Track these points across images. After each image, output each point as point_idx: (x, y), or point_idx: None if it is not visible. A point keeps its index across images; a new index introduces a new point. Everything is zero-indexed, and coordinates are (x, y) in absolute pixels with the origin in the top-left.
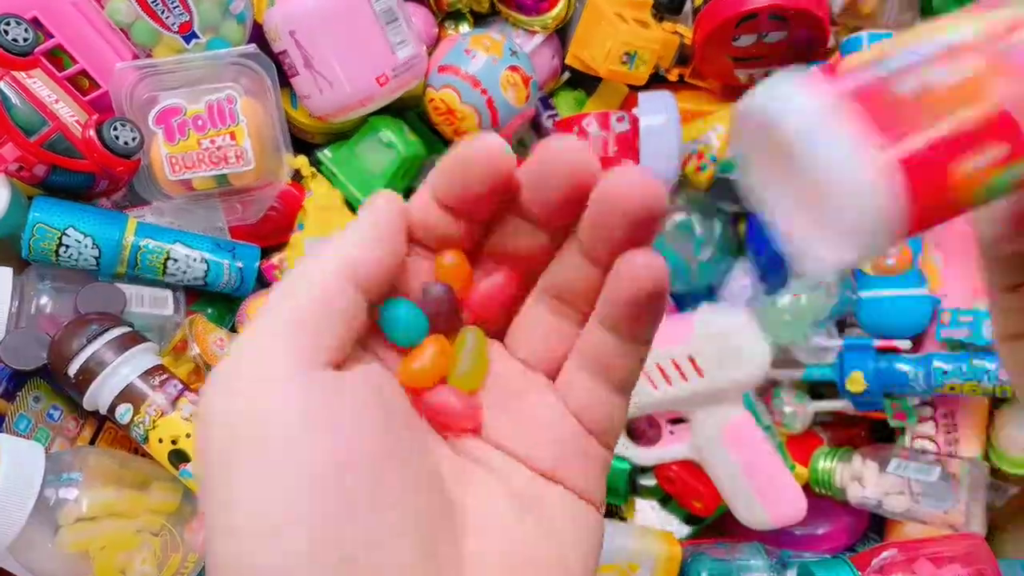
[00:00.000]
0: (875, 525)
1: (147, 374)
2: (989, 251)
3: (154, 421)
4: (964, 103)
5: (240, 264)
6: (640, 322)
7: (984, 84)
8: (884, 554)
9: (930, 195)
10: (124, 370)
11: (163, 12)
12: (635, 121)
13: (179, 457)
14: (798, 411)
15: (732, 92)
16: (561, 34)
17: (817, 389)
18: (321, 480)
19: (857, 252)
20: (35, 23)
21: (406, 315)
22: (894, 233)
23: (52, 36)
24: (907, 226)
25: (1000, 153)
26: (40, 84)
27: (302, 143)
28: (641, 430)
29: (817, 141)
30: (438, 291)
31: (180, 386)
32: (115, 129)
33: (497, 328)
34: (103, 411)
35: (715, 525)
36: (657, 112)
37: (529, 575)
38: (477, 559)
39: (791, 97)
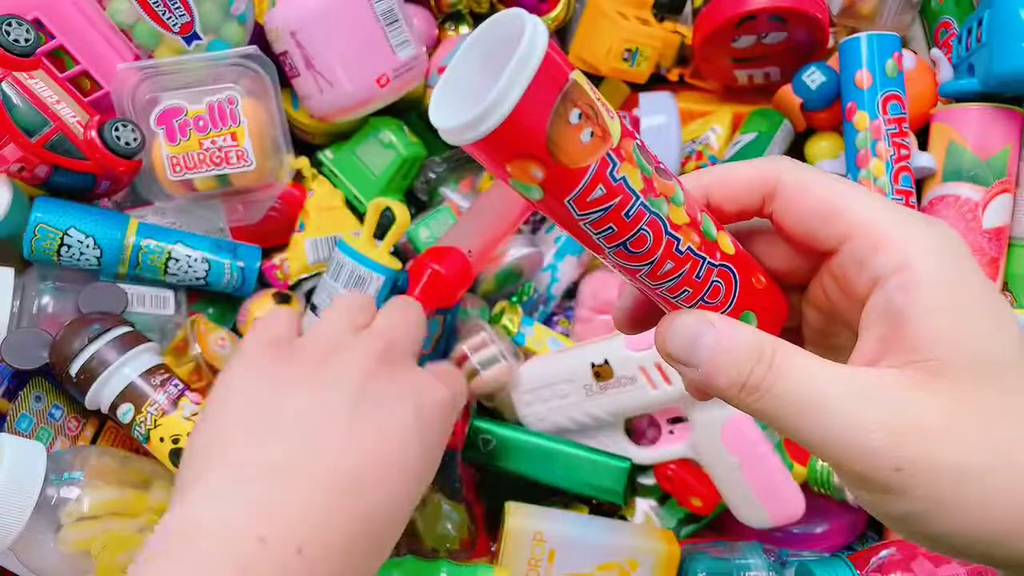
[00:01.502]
0: (874, 524)
1: (148, 374)
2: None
3: (155, 420)
4: None
5: (241, 264)
6: None
7: None
8: (883, 553)
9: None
10: (125, 370)
11: (164, 13)
12: (636, 121)
13: (180, 456)
14: None
15: (732, 93)
16: (561, 35)
17: None
18: None
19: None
20: (37, 24)
21: None
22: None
23: (54, 37)
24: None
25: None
26: (42, 85)
27: (303, 144)
28: (641, 430)
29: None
30: None
31: (181, 386)
32: (116, 130)
33: None
34: (104, 410)
35: (714, 524)
36: (657, 112)
37: None
38: None
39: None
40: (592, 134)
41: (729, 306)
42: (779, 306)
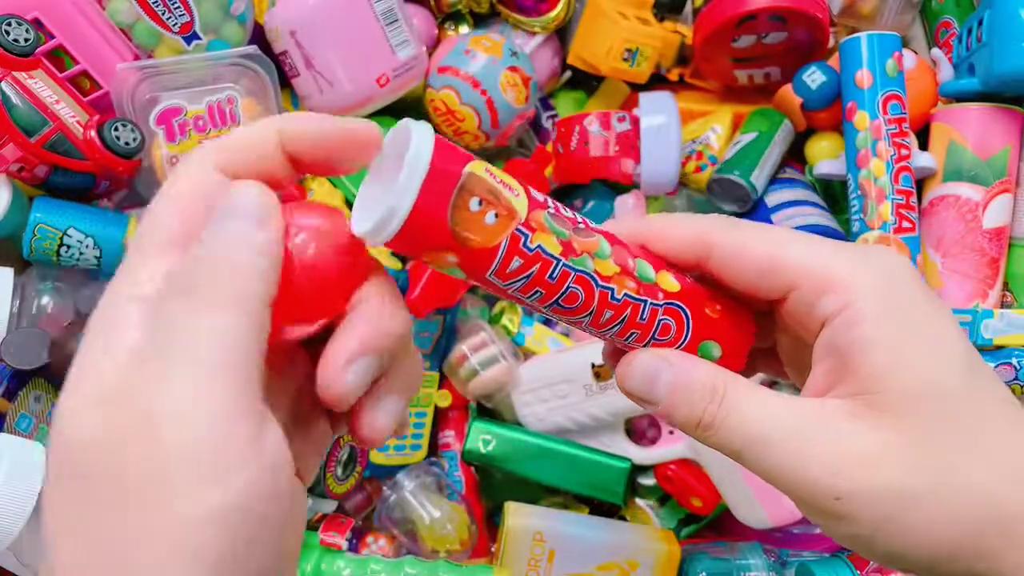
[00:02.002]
0: None
1: None
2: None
3: None
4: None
5: None
6: None
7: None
8: None
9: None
10: None
11: (164, 13)
12: (636, 121)
13: None
14: None
15: (732, 93)
16: (561, 34)
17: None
18: None
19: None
20: (36, 24)
21: None
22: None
23: (53, 37)
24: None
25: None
26: (41, 85)
27: None
28: (641, 430)
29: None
30: None
31: None
32: (116, 130)
33: None
34: None
35: (714, 524)
36: (658, 112)
37: None
38: None
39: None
40: (496, 215)
41: (684, 340)
42: (743, 331)
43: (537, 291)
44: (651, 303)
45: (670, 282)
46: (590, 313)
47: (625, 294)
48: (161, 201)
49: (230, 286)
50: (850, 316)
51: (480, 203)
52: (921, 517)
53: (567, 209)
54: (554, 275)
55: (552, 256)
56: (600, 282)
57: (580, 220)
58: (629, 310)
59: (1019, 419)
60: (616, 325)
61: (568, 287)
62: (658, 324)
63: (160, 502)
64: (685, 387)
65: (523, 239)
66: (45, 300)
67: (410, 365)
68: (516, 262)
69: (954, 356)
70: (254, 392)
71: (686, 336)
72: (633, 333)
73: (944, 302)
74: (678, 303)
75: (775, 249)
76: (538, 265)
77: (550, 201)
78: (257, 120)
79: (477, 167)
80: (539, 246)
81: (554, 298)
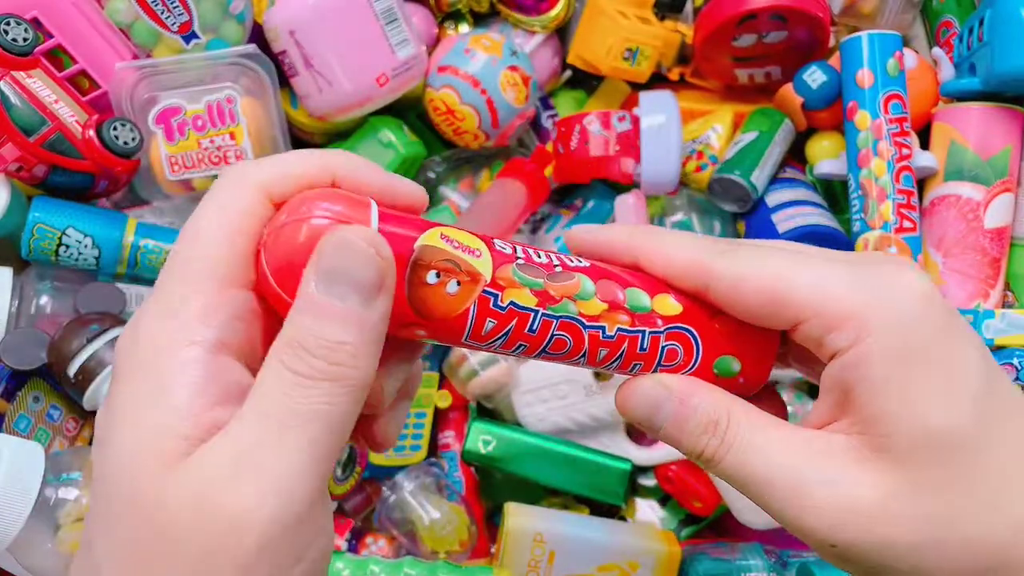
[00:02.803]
0: None
1: None
2: None
3: None
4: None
5: None
6: None
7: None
8: None
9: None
10: None
11: (163, 12)
12: (636, 121)
13: None
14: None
15: (733, 92)
16: (561, 34)
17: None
18: None
19: None
20: (35, 23)
21: None
22: None
23: (52, 36)
24: None
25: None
26: (40, 84)
27: (302, 143)
28: (642, 431)
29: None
30: None
31: None
32: (115, 129)
33: None
34: None
35: (715, 525)
36: (658, 112)
37: None
38: None
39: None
40: (459, 283)
41: (695, 362)
42: (764, 339)
43: (520, 345)
44: (649, 332)
45: (670, 304)
46: (583, 355)
47: (618, 329)
48: (202, 222)
49: (335, 371)
50: (860, 353)
51: (438, 275)
52: (921, 567)
53: (540, 253)
54: (534, 327)
55: (528, 309)
56: (587, 323)
57: (557, 262)
58: (626, 344)
59: None
60: (615, 361)
61: (552, 335)
62: (662, 351)
63: None
64: (685, 420)
65: (492, 299)
66: (44, 300)
67: (416, 375)
68: (489, 323)
69: (967, 398)
70: (328, 471)
71: (696, 357)
72: (636, 365)
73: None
74: (681, 325)
75: (778, 282)
76: (514, 321)
77: (519, 249)
78: (313, 151)
79: (430, 237)
80: (511, 302)
81: (540, 348)
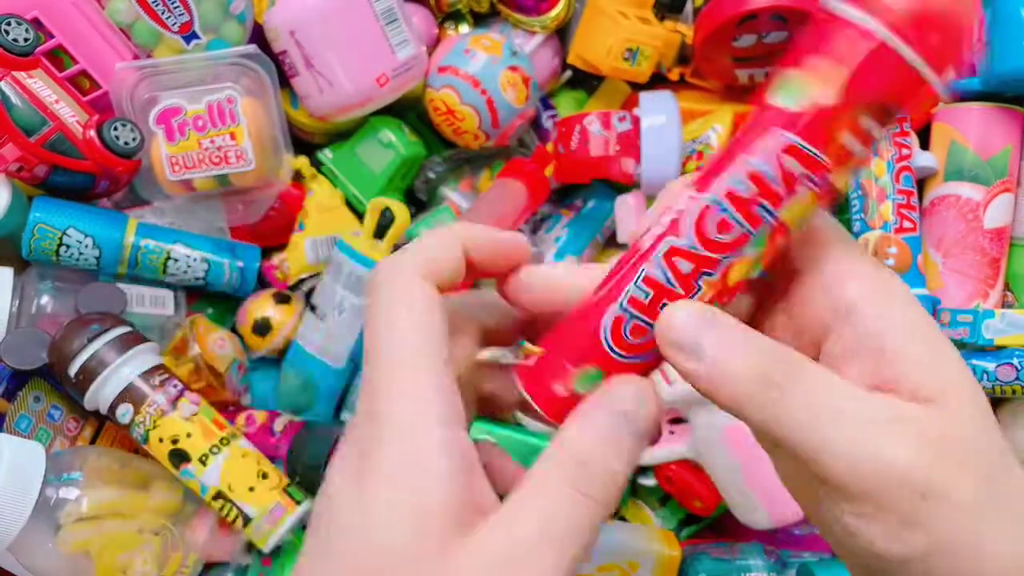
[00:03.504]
0: None
1: (147, 374)
2: None
3: (155, 421)
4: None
5: (240, 264)
6: None
7: None
8: None
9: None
10: (125, 370)
11: (163, 12)
12: (637, 121)
13: (179, 457)
14: None
15: (733, 92)
16: (561, 34)
17: None
18: None
19: None
20: (36, 23)
21: None
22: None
23: (53, 36)
24: None
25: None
26: (41, 84)
27: (303, 143)
28: None
29: None
30: None
31: (180, 386)
32: (115, 129)
33: None
34: (103, 411)
35: (715, 525)
36: (658, 112)
37: None
38: None
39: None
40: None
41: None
42: None
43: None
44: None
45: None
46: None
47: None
48: (394, 315)
49: (609, 498)
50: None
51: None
52: (994, 541)
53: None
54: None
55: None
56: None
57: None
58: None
59: None
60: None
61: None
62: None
63: None
64: (747, 342)
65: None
66: (44, 300)
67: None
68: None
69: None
70: None
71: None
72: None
73: (945, 302)
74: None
75: (886, 337)
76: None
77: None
78: (442, 229)
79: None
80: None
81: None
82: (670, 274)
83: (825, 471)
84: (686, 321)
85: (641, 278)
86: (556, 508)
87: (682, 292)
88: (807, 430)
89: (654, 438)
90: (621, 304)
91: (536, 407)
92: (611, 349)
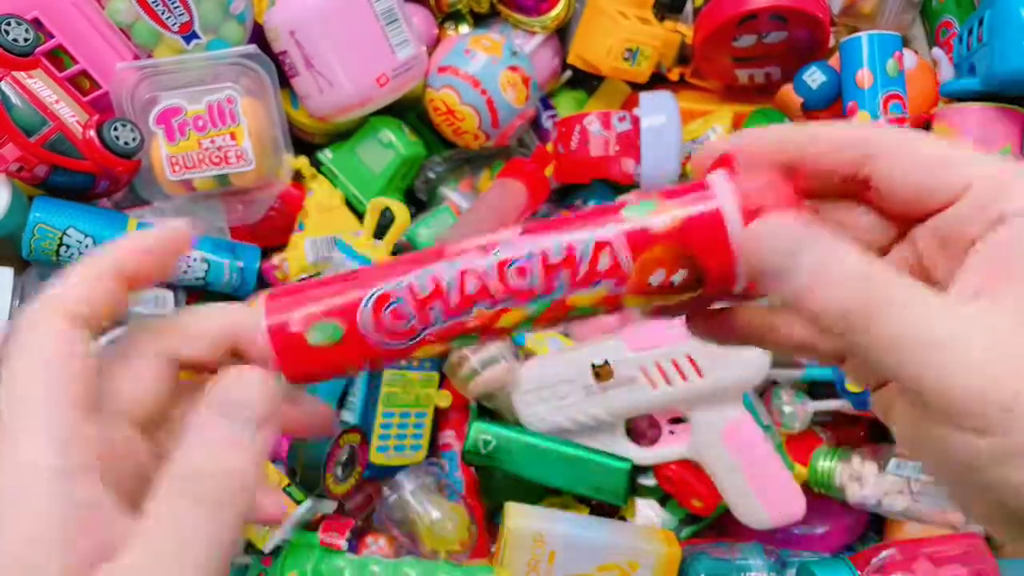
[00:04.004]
0: (874, 525)
1: None
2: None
3: None
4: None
5: (241, 264)
6: None
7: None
8: (883, 553)
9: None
10: None
11: (163, 12)
12: (636, 121)
13: None
14: (797, 411)
15: (733, 92)
16: (561, 34)
17: (816, 389)
18: None
19: None
20: (36, 23)
21: None
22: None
23: (53, 36)
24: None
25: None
26: (41, 84)
27: (303, 143)
28: (641, 430)
29: None
30: None
31: None
32: (115, 129)
33: None
34: None
35: (715, 525)
36: (658, 112)
37: None
38: None
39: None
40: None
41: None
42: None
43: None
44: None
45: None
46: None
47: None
48: (21, 370)
49: (227, 497)
50: None
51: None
52: None
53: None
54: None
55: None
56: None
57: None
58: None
59: None
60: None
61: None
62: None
63: None
64: (841, 259)
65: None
66: None
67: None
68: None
69: None
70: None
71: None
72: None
73: None
74: None
75: (948, 148)
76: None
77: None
78: (86, 259)
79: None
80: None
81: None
82: (455, 284)
83: (927, 396)
84: (785, 231)
85: (429, 274)
86: (174, 526)
87: (456, 302)
88: (904, 354)
89: (653, 437)
90: (399, 283)
91: (264, 331)
92: (363, 317)
